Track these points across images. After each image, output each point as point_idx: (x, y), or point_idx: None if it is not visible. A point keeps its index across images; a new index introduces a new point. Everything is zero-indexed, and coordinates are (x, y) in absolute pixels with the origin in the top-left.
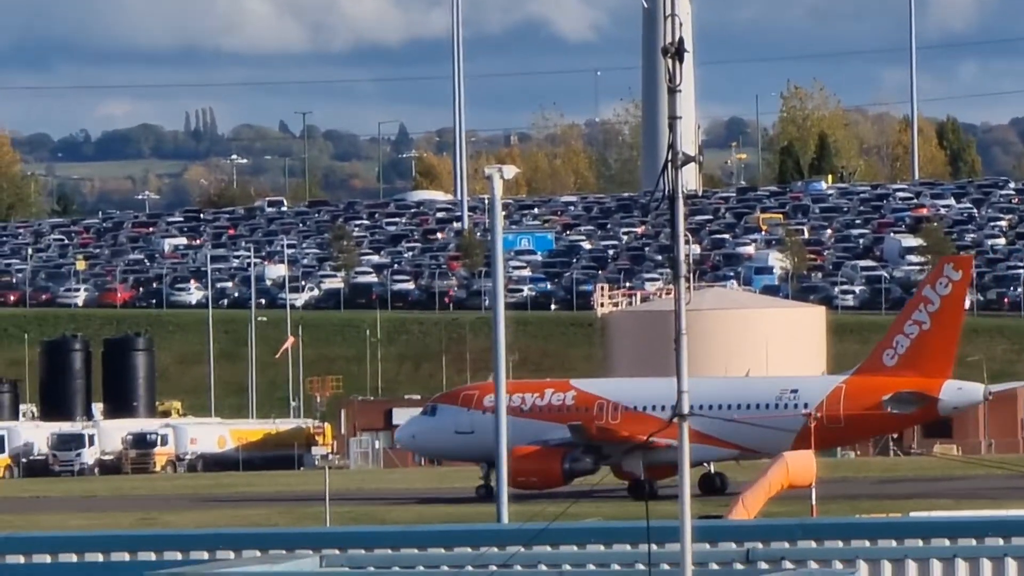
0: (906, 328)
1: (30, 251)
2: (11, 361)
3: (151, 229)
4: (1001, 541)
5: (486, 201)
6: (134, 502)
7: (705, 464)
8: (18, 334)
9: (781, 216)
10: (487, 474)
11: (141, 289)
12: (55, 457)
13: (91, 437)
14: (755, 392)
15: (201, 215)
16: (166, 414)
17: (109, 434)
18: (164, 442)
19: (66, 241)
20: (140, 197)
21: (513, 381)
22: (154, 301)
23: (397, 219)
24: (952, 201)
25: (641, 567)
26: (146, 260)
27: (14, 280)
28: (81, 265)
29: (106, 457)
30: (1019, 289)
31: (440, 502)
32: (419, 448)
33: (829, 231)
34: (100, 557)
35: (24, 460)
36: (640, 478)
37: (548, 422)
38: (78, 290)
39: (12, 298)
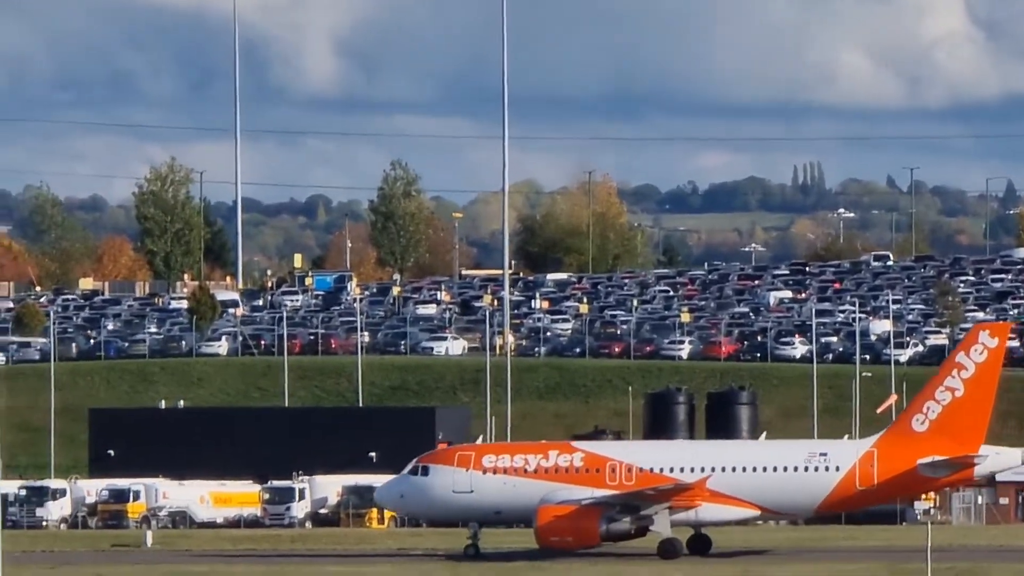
0: (937, 394)
1: (635, 302)
2: (615, 411)
3: (756, 282)
4: None
5: None
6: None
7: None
8: (622, 385)
9: None
10: (475, 534)
11: (745, 343)
12: None
13: None
14: (783, 455)
15: (807, 268)
16: None
17: None
18: None
19: (671, 293)
20: (746, 250)
21: (512, 443)
22: (758, 355)
23: (1003, 275)
24: None
25: None
26: (751, 313)
27: (619, 331)
28: (686, 317)
29: None
30: None
31: None
32: (406, 508)
33: None
34: None
35: None
36: (669, 537)
37: (555, 483)
38: (682, 342)
39: (617, 349)
